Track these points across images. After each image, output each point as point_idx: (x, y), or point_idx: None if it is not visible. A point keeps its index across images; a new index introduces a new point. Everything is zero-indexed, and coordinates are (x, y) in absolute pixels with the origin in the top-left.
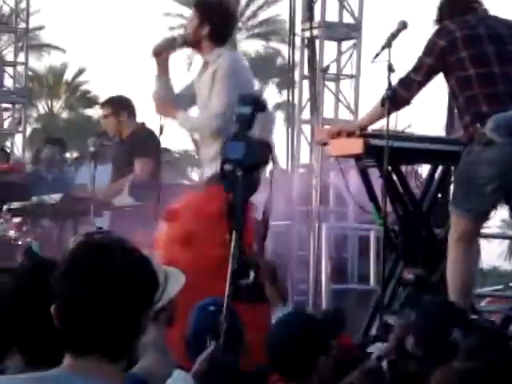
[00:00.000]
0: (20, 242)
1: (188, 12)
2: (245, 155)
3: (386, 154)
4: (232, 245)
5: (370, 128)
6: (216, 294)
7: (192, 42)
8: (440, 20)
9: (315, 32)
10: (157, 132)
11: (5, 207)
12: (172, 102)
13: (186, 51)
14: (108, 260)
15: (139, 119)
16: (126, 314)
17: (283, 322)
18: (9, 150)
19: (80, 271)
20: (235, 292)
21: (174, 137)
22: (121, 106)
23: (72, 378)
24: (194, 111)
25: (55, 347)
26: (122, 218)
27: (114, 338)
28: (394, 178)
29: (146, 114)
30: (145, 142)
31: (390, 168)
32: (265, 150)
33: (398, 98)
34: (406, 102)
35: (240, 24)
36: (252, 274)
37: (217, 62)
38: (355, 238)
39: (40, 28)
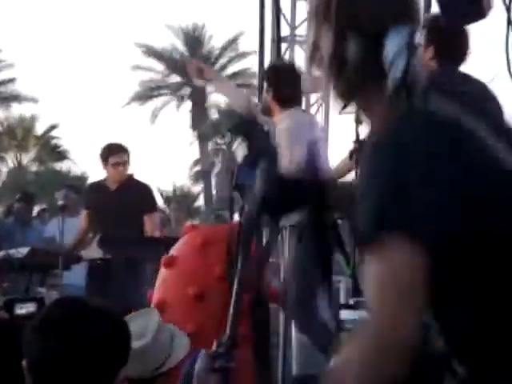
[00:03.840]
0: None
1: (157, 65)
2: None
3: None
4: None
5: (339, 181)
6: None
7: (264, 109)
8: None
9: None
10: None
11: None
12: None
13: None
14: (81, 320)
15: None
16: (96, 373)
17: None
18: None
19: (53, 329)
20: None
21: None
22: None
23: None
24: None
25: None
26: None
27: None
28: None
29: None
30: (149, 197)
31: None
32: None
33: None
34: None
35: None
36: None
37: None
38: None
39: (11, 80)
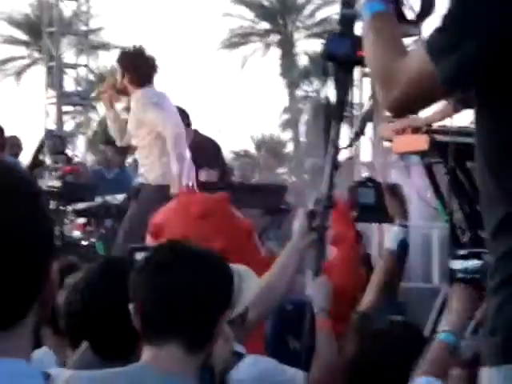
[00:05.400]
0: (84, 242)
1: (248, 13)
2: (352, 52)
3: (450, 150)
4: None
5: (436, 124)
6: None
7: (122, 90)
8: None
9: None
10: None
11: (69, 208)
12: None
13: None
14: (187, 262)
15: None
16: (202, 315)
17: None
18: (71, 153)
19: (159, 270)
20: (360, 213)
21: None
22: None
23: (153, 370)
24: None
25: (126, 342)
26: None
27: (193, 326)
28: (460, 174)
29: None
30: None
31: (454, 164)
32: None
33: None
34: None
35: (298, 23)
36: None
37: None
38: (417, 236)
39: (99, 29)
